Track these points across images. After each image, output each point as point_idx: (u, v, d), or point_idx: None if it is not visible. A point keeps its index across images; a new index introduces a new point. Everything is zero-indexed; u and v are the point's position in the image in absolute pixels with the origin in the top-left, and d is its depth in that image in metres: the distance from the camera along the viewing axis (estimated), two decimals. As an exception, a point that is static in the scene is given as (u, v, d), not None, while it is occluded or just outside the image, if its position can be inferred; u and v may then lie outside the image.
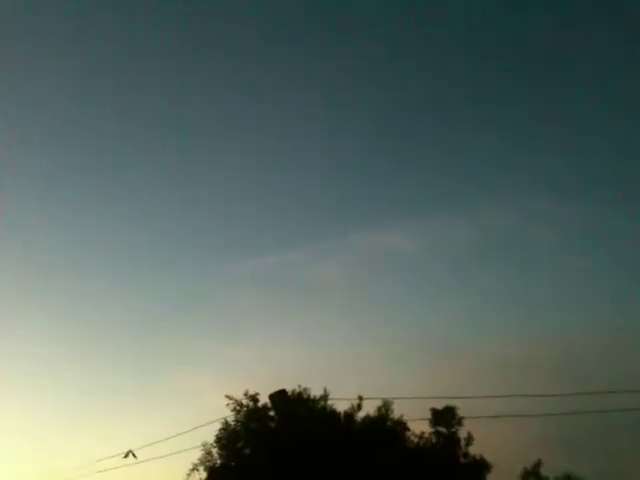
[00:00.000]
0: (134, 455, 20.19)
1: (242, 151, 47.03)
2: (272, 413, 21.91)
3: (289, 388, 21.96)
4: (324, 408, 21.83)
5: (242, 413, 21.72)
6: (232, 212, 45.26)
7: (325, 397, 21.75)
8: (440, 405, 21.80)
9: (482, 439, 21.75)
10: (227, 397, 21.67)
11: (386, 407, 21.67)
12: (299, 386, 21.82)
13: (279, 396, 21.08)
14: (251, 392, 21.79)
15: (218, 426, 21.74)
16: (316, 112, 45.40)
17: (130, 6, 43.66)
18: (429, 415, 21.95)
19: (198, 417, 23.60)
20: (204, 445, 21.42)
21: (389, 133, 46.30)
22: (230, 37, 45.18)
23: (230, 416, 21.87)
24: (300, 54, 46.58)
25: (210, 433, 21.72)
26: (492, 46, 44.14)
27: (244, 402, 21.74)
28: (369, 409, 21.94)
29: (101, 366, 36.16)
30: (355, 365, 29.52)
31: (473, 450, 21.67)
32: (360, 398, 21.70)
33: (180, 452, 20.79)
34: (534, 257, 38.15)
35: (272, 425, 21.92)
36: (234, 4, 44.75)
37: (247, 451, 21.97)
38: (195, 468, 21.21)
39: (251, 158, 46.42)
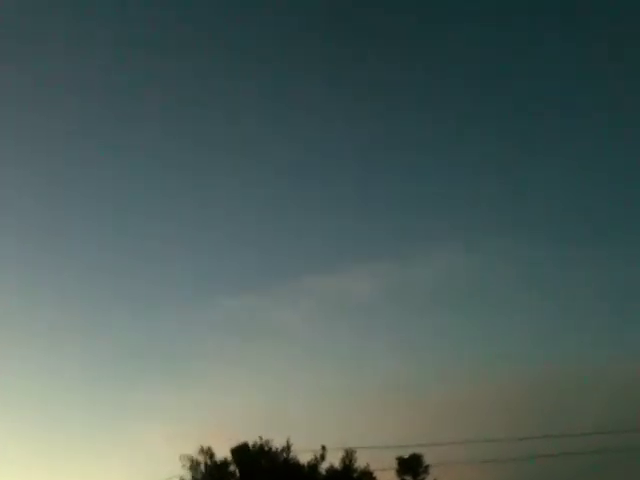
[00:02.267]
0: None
1: (202, 201, 46.38)
2: (232, 467, 21.11)
3: (250, 439, 21.21)
4: (287, 460, 21.02)
5: (199, 471, 20.79)
6: (186, 258, 44.17)
7: (288, 448, 20.97)
8: (406, 453, 21.32)
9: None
10: (181, 458, 20.73)
11: (350, 457, 21.02)
12: (260, 438, 21.00)
13: (240, 451, 20.31)
14: (206, 446, 20.98)
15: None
16: (273, 163, 45.56)
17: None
18: (395, 464, 21.41)
19: (154, 471, 22.36)
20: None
21: (343, 178, 46.60)
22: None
23: (186, 474, 20.91)
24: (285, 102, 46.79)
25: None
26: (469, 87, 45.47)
27: (200, 459, 20.86)
28: (333, 459, 21.23)
29: (53, 420, 34.09)
30: (317, 413, 28.73)
31: (441, 498, 21.18)
32: (323, 448, 20.98)
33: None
34: (493, 296, 38.38)
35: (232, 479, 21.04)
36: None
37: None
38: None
39: (211, 210, 45.71)
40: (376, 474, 21.28)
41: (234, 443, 21.09)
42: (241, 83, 43.82)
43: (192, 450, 21.00)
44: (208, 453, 20.90)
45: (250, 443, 20.78)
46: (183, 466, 20.63)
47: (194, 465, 20.87)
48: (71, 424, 32.81)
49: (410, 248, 39.93)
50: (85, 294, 40.62)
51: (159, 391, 32.92)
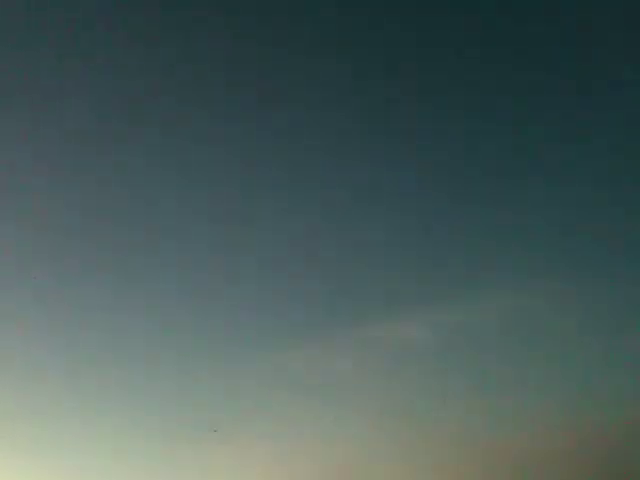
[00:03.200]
0: None
1: (265, 255, 46.81)
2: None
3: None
4: None
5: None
6: (234, 307, 43.93)
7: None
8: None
9: None
10: None
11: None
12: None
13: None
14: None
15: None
16: (328, 204, 45.68)
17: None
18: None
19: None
20: None
21: (400, 221, 46.01)
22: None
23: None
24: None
25: None
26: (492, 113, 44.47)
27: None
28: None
29: None
30: (379, 470, 27.68)
31: None
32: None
33: None
34: (557, 341, 36.37)
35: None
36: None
37: None
38: None
39: (264, 253, 45.99)
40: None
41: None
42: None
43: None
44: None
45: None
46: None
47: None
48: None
49: (471, 292, 38.76)
50: (151, 353, 41.24)
51: (221, 448, 32.69)
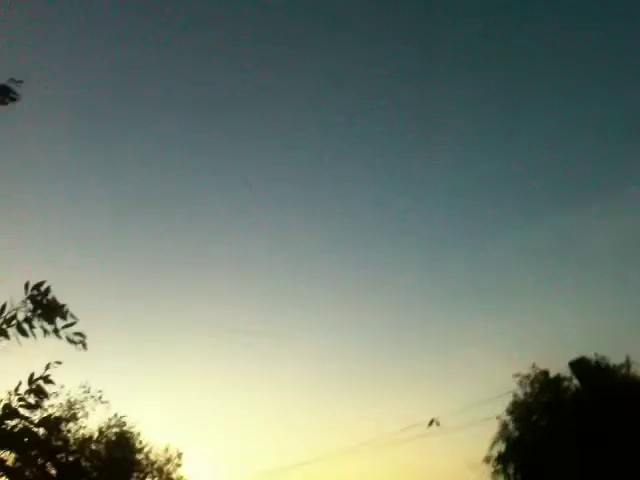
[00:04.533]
0: (438, 423, 20.80)
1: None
2: (566, 384, 21.17)
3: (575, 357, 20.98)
4: (626, 376, 20.30)
5: (534, 386, 21.32)
6: (516, 178, 43.78)
7: (627, 365, 20.21)
8: None
9: None
10: (515, 376, 21.47)
11: None
12: (596, 354, 20.63)
13: (579, 364, 20.23)
14: (539, 365, 21.37)
15: (509, 399, 21.61)
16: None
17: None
18: None
19: (489, 390, 23.60)
20: (499, 418, 21.41)
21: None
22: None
23: (519, 390, 21.65)
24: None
25: (502, 407, 21.69)
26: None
27: (533, 375, 21.38)
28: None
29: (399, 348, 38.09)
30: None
31: None
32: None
33: (477, 422, 21.11)
34: None
35: (567, 396, 21.08)
36: None
37: (543, 423, 21.39)
38: (495, 442, 21.30)
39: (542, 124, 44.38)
40: None
41: (564, 361, 21.15)
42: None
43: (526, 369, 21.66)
44: (542, 372, 21.27)
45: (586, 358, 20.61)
46: (519, 382, 21.40)
47: (527, 381, 21.47)
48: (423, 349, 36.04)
49: None
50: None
51: (489, 318, 34.35)
